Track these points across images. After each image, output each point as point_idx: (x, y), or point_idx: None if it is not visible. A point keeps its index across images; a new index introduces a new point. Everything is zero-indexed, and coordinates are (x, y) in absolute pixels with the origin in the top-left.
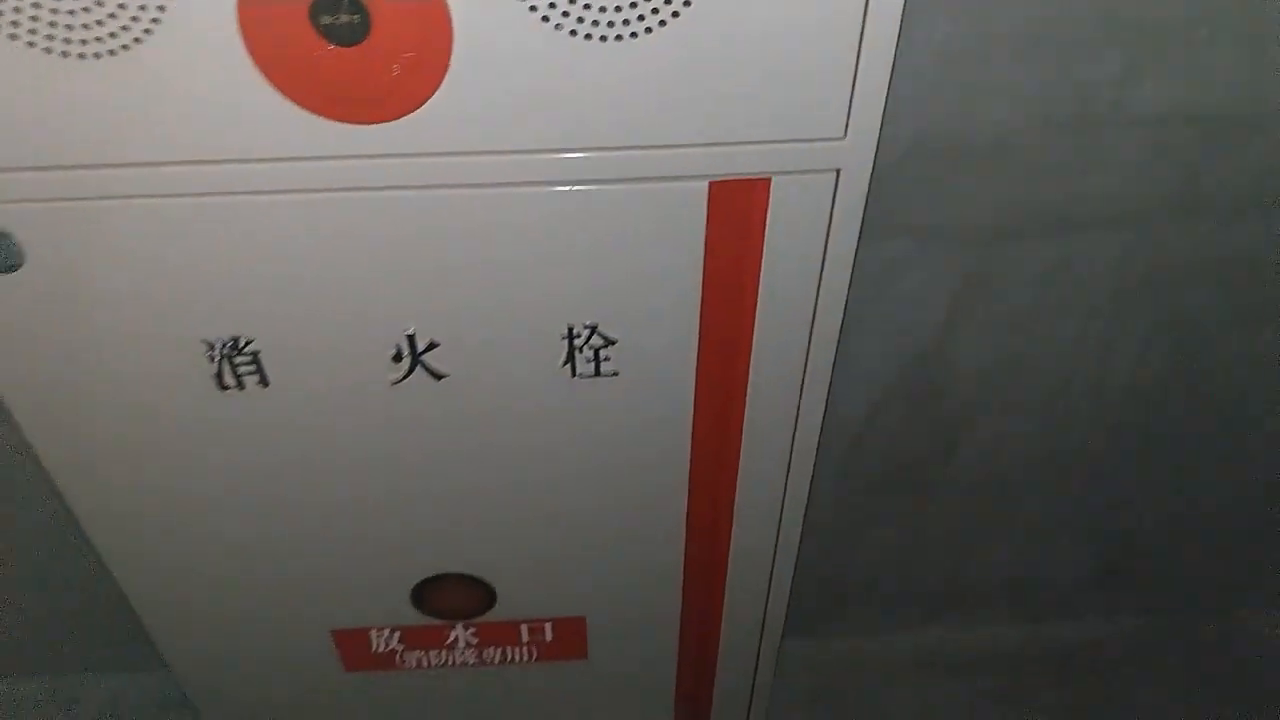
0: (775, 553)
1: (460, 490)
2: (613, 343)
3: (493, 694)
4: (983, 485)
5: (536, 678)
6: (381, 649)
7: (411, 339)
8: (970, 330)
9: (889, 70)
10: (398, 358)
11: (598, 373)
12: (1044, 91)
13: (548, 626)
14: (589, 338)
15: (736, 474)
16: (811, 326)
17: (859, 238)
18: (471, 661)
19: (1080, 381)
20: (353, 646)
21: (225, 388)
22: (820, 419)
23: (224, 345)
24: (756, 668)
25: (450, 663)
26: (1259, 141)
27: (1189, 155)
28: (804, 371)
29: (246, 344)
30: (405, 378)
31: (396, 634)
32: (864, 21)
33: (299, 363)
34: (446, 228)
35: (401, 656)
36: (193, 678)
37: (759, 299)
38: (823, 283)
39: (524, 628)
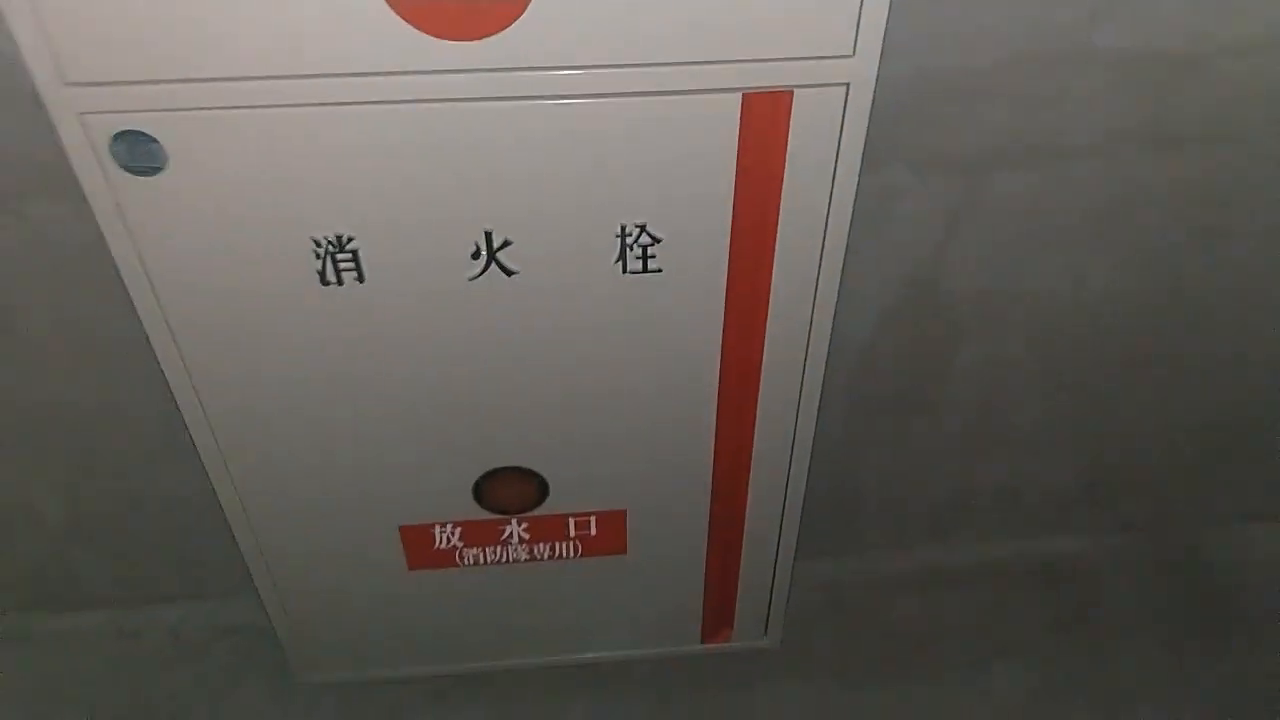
0: (791, 456)
1: (520, 385)
2: (658, 241)
3: (538, 591)
4: (978, 405)
5: (578, 572)
6: (443, 545)
7: (489, 236)
8: (961, 254)
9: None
10: (475, 255)
11: (645, 269)
12: (1025, 29)
13: (592, 520)
14: (638, 236)
15: (759, 378)
16: (825, 227)
17: (862, 161)
18: (523, 558)
19: (1063, 302)
20: (417, 543)
21: (327, 283)
22: (831, 319)
23: (329, 242)
24: (775, 562)
25: (503, 559)
26: (1213, 77)
27: (1152, 90)
28: (818, 273)
29: (348, 241)
30: (481, 274)
31: (458, 530)
32: None
33: (392, 260)
34: (520, 137)
35: (460, 554)
36: (270, 582)
37: (781, 201)
38: (835, 186)
39: (571, 521)
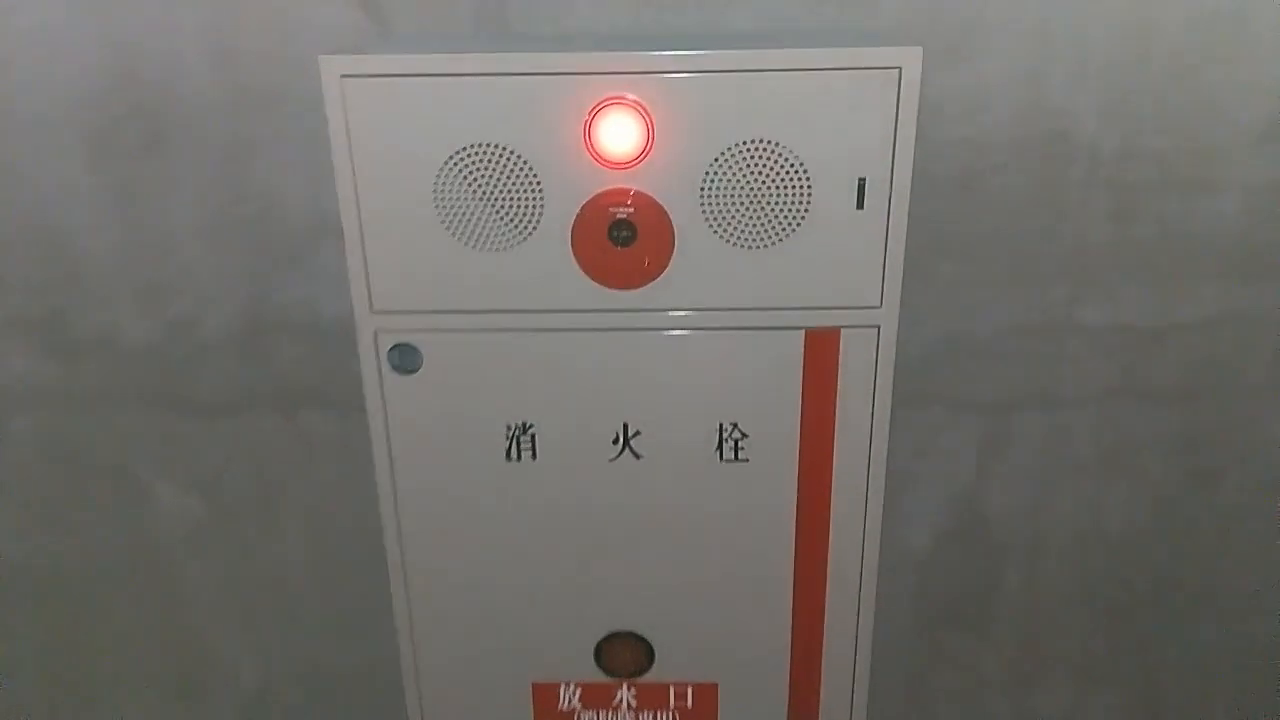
0: (855, 660)
1: (639, 555)
2: (746, 436)
3: None
4: (1027, 626)
5: None
6: (565, 706)
7: (625, 426)
8: (996, 483)
9: (901, 266)
10: (615, 440)
11: (736, 458)
12: (1021, 306)
13: (690, 691)
14: (732, 431)
15: (826, 576)
16: (870, 438)
17: (905, 404)
18: None
19: (1087, 529)
20: (545, 702)
21: (509, 459)
22: (880, 523)
23: (516, 427)
24: None
25: None
26: (1176, 346)
27: (1129, 355)
28: (867, 479)
29: (529, 426)
30: (618, 456)
31: (579, 691)
32: (886, 243)
33: (558, 442)
34: (653, 356)
35: (578, 716)
36: None
37: (836, 414)
38: (875, 405)
39: (671, 690)
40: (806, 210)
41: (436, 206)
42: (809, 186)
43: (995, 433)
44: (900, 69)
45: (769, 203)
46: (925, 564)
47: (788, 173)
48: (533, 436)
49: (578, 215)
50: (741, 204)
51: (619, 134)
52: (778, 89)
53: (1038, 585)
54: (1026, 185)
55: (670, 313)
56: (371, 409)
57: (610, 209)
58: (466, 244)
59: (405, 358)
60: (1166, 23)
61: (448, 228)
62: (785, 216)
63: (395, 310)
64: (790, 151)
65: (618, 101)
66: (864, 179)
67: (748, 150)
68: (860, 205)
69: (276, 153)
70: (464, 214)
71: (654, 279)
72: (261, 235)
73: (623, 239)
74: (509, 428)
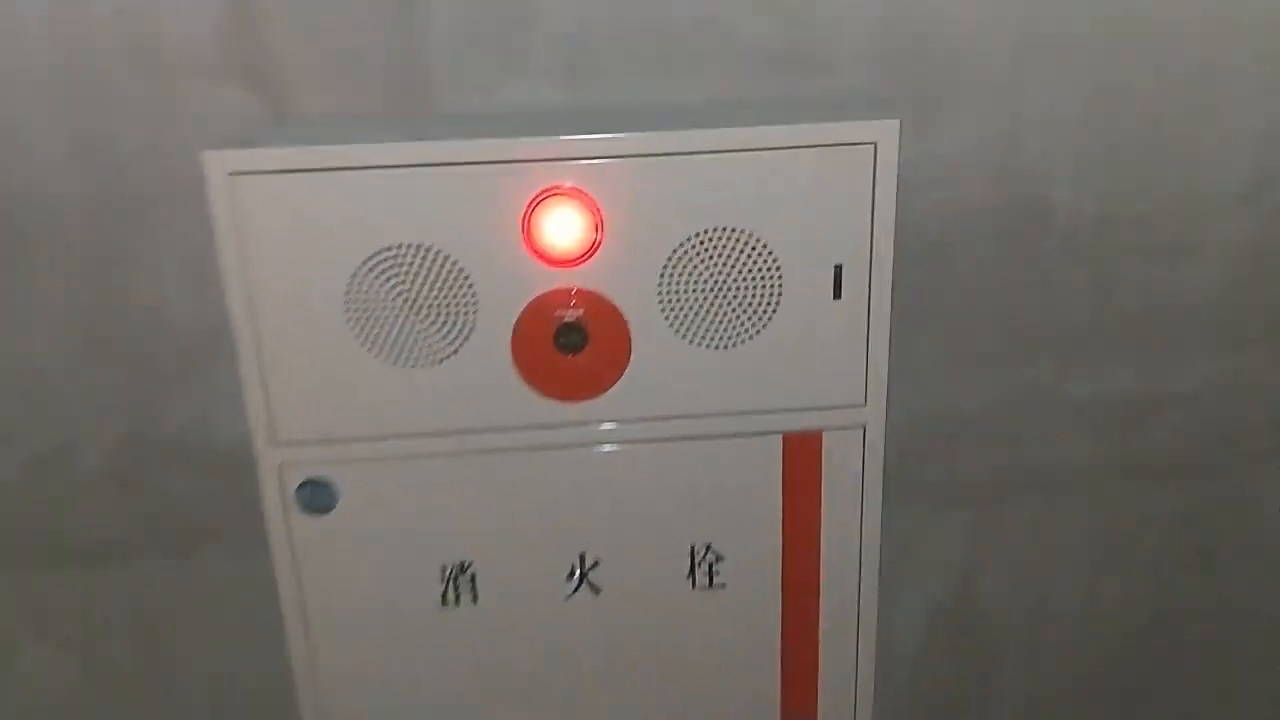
0: None
1: (603, 705)
2: (722, 558)
3: None
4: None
5: None
6: None
7: (582, 557)
8: (986, 575)
9: (886, 361)
10: (570, 575)
11: (711, 584)
12: (1008, 381)
13: None
14: (705, 554)
15: (817, 689)
16: (860, 545)
17: (888, 496)
18: None
19: (1080, 618)
20: None
21: (446, 604)
22: (874, 632)
23: (454, 568)
24: None
25: None
26: (1167, 419)
27: (1119, 429)
28: (859, 588)
29: (468, 565)
30: (574, 592)
31: None
32: (868, 335)
33: (502, 582)
34: (610, 475)
35: None
36: None
37: (821, 524)
38: (864, 510)
39: None
40: (778, 303)
41: (350, 319)
42: (779, 277)
43: (983, 521)
44: (875, 144)
45: (736, 297)
46: (917, 665)
47: (755, 263)
48: (473, 577)
49: (518, 321)
50: (705, 300)
51: (562, 228)
52: (740, 171)
53: (1036, 680)
54: (1003, 255)
55: (629, 424)
56: (278, 557)
57: (555, 312)
58: (387, 360)
59: (317, 496)
60: (1140, 81)
61: (364, 343)
62: (755, 311)
63: (303, 440)
64: (757, 240)
65: (558, 192)
66: (840, 265)
67: (709, 240)
68: (838, 294)
69: (155, 260)
70: (383, 326)
71: (609, 388)
72: (142, 353)
73: (571, 345)
74: (445, 569)
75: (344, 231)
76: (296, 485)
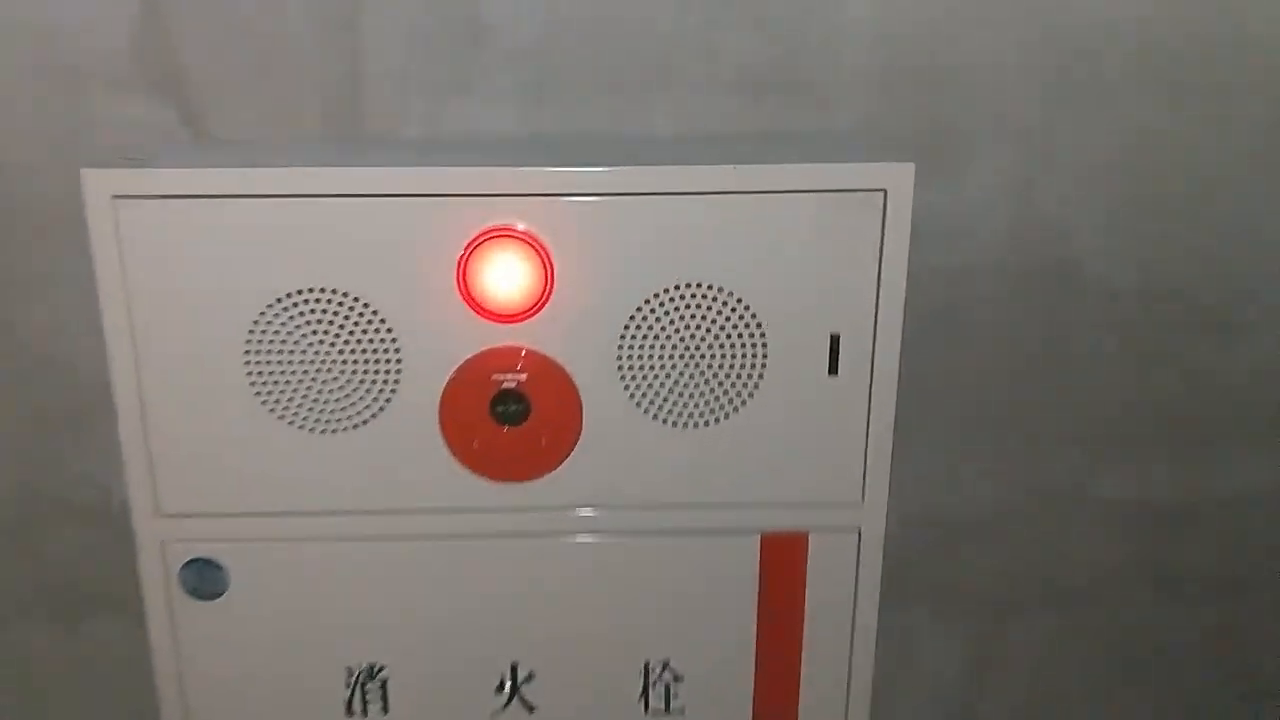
0: None
1: None
2: (680, 679)
3: None
4: None
5: None
6: None
7: (514, 668)
8: (991, 703)
9: (889, 452)
10: (500, 687)
11: (667, 709)
12: (1023, 476)
13: None
14: (661, 673)
15: None
16: (849, 666)
17: (880, 600)
18: None
19: None
20: None
21: (351, 713)
22: None
23: (361, 671)
24: None
25: None
26: (1208, 525)
27: (1149, 535)
28: (846, 714)
29: (379, 670)
30: (504, 708)
31: None
32: (869, 420)
33: (419, 692)
34: (550, 571)
35: None
36: None
37: (804, 640)
38: (855, 625)
39: None
40: (761, 377)
41: (251, 374)
42: (763, 345)
43: (991, 636)
44: (885, 191)
45: (710, 368)
46: None
47: (735, 328)
48: (383, 683)
49: (449, 384)
50: (673, 369)
51: (504, 276)
52: (720, 217)
53: None
54: (1022, 325)
55: (575, 512)
56: (157, 644)
57: (494, 376)
58: (293, 423)
59: (205, 578)
60: (1181, 129)
61: (266, 402)
62: (733, 385)
63: (190, 513)
64: (738, 300)
65: (502, 233)
66: (837, 335)
67: (681, 298)
68: (834, 370)
69: (49, 293)
70: (289, 384)
71: (554, 468)
72: (31, 399)
73: (511, 415)
74: (351, 672)
75: (246, 270)
76: (182, 564)
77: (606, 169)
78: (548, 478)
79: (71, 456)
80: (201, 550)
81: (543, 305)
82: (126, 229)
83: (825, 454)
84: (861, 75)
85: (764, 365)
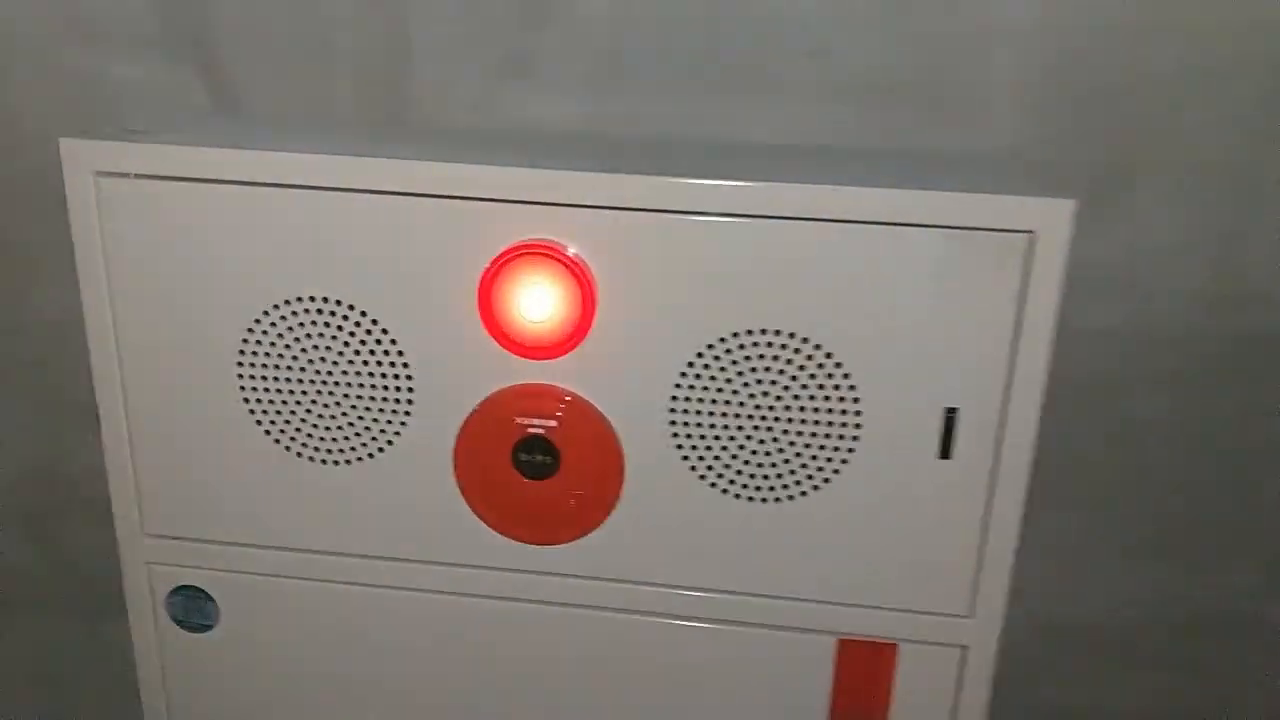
0: None
1: None
2: None
3: None
4: None
5: None
6: None
7: None
8: None
9: (1010, 559)
10: None
11: None
12: (1184, 589)
13: None
14: None
15: None
16: None
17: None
18: None
19: None
20: None
21: None
22: None
23: None
24: None
25: None
26: None
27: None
28: None
29: None
30: None
31: None
32: (988, 517)
33: None
34: (573, 648)
35: None
36: None
37: None
38: None
39: None
40: (850, 450)
41: (244, 386)
42: (856, 413)
43: None
44: (1033, 234)
45: (787, 433)
46: None
47: (823, 388)
48: None
49: (467, 422)
50: (739, 430)
51: (536, 301)
52: (813, 250)
53: None
54: (1199, 407)
55: (608, 587)
56: (146, 677)
57: (518, 418)
58: (288, 449)
59: (193, 609)
60: None
61: (260, 421)
62: (813, 458)
63: (178, 536)
64: (827, 354)
65: (538, 250)
66: (954, 409)
67: (755, 345)
68: (946, 452)
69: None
70: (284, 402)
71: (583, 533)
72: (45, 384)
73: (536, 466)
74: None
75: (243, 269)
76: (169, 591)
77: (674, 180)
78: (577, 544)
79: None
80: (189, 577)
81: (580, 339)
82: (109, 211)
83: (927, 552)
84: (1013, 88)
85: (854, 438)
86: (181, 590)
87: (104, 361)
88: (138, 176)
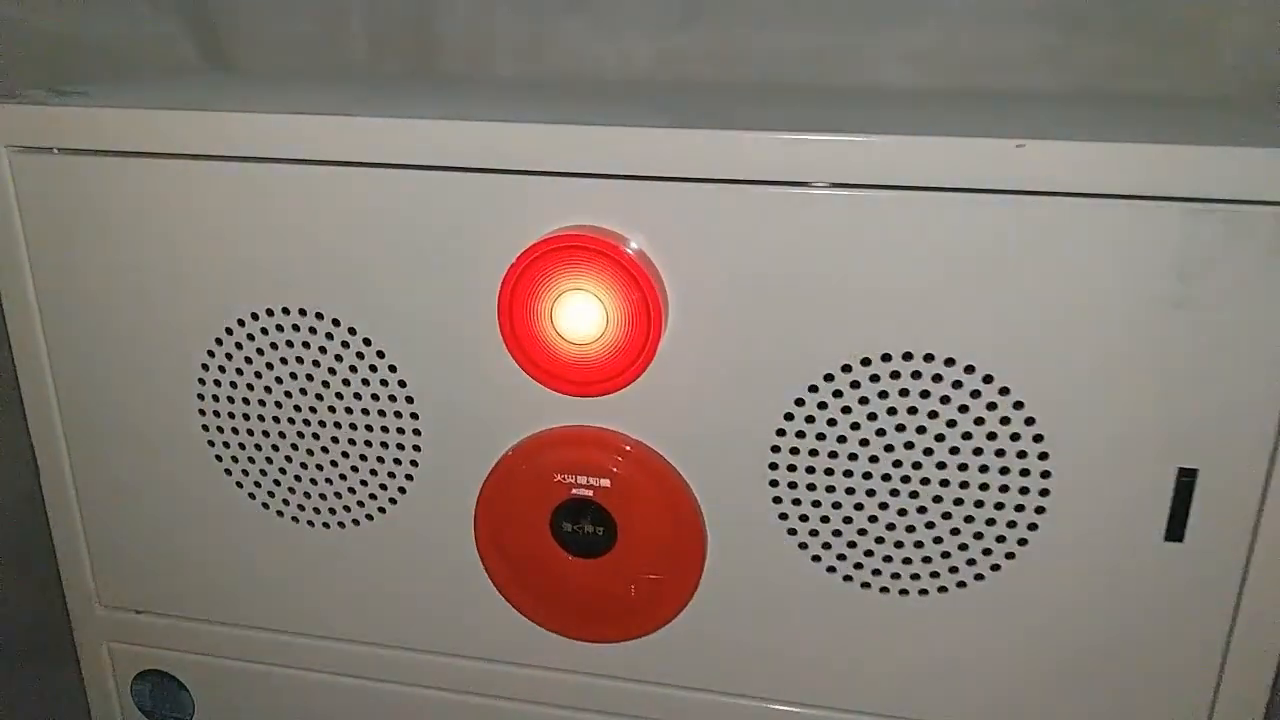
0: None
1: None
2: None
3: None
4: None
5: None
6: None
7: None
8: None
9: (1270, 678)
10: None
11: None
12: None
13: None
14: None
15: None
16: None
17: None
18: None
19: None
20: None
21: None
22: None
23: None
24: None
25: None
26: None
27: None
28: None
29: None
30: None
31: None
32: (1236, 613)
33: None
34: None
35: None
36: None
37: None
38: None
39: None
40: (1031, 526)
41: (206, 425)
42: (1043, 474)
43: None
44: None
45: (942, 500)
46: None
47: (995, 437)
48: None
49: (491, 478)
50: (869, 494)
51: (579, 316)
52: (991, 236)
53: None
54: None
55: (677, 693)
56: None
57: (558, 475)
58: (265, 505)
59: (163, 698)
60: None
61: (229, 470)
62: (978, 535)
63: (141, 609)
64: (1000, 390)
65: (579, 244)
66: (1193, 472)
67: (893, 377)
68: (1175, 533)
69: None
70: (257, 446)
71: (650, 630)
72: None
73: (585, 540)
74: None
75: (201, 272)
76: (134, 677)
77: (781, 136)
78: (639, 643)
79: None
80: (157, 660)
81: (643, 367)
82: (27, 197)
83: (1144, 664)
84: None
85: (1039, 509)
86: (147, 675)
87: (34, 389)
88: (62, 151)
